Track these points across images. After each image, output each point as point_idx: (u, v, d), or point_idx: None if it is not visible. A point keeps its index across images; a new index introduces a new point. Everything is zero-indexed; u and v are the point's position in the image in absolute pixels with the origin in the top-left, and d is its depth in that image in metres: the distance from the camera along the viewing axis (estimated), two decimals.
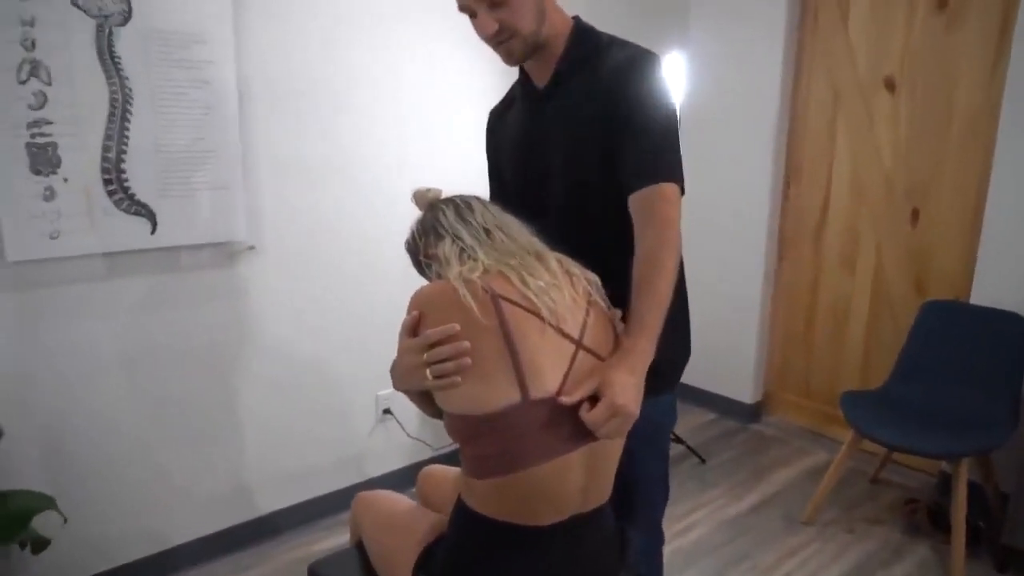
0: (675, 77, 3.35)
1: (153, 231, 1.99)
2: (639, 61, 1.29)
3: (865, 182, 3.05)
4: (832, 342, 3.26)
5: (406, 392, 1.21)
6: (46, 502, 1.78)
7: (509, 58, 1.33)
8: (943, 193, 2.83)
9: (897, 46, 2.89)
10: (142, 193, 1.95)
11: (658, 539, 1.56)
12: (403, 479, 2.75)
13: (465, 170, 2.70)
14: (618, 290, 1.22)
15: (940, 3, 2.76)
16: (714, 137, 3.41)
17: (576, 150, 1.33)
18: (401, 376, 1.16)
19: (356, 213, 2.48)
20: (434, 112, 2.63)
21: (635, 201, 1.25)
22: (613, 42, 1.36)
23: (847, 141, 3.09)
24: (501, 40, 1.28)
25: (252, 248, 2.24)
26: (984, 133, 2.67)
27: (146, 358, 2.11)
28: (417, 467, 2.76)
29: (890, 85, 2.93)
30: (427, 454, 2.80)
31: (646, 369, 1.13)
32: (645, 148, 1.25)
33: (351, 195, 2.46)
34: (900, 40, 2.88)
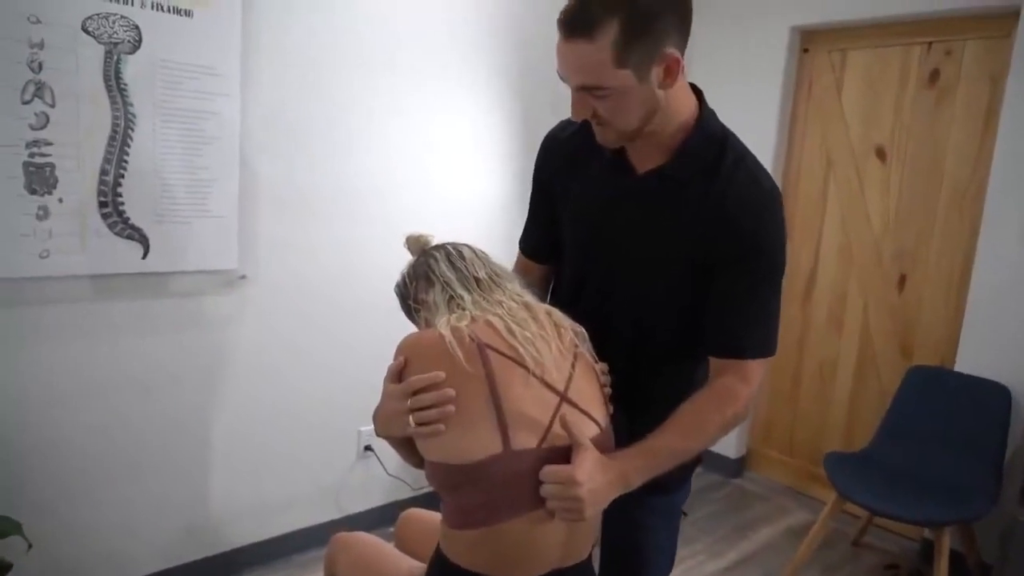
0: None
1: (145, 255, 1.91)
2: (771, 204, 1.13)
3: (854, 246, 2.99)
4: (817, 401, 3.16)
5: (388, 438, 1.15)
6: (12, 527, 1.67)
7: (601, 139, 1.15)
8: (930, 261, 2.77)
9: (889, 117, 2.86)
10: (137, 217, 1.88)
11: None
12: (381, 517, 2.62)
13: (461, 207, 2.67)
14: (647, 386, 1.17)
15: (931, 78, 2.74)
16: None
17: (656, 265, 1.17)
18: (384, 422, 1.10)
19: (348, 248, 2.40)
20: (431, 150, 2.57)
21: (724, 366, 1.14)
22: (740, 156, 1.15)
23: (838, 205, 3.04)
24: (595, 123, 1.12)
25: (243, 278, 2.16)
26: (971, 205, 2.62)
27: (127, 383, 2.00)
28: (396, 506, 2.67)
29: (881, 154, 2.89)
30: (406, 493, 2.67)
31: (626, 487, 1.05)
32: (755, 315, 1.14)
33: (344, 230, 2.38)
34: (892, 111, 2.85)
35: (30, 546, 1.70)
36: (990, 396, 2.44)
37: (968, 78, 2.65)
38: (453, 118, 2.62)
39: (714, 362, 1.16)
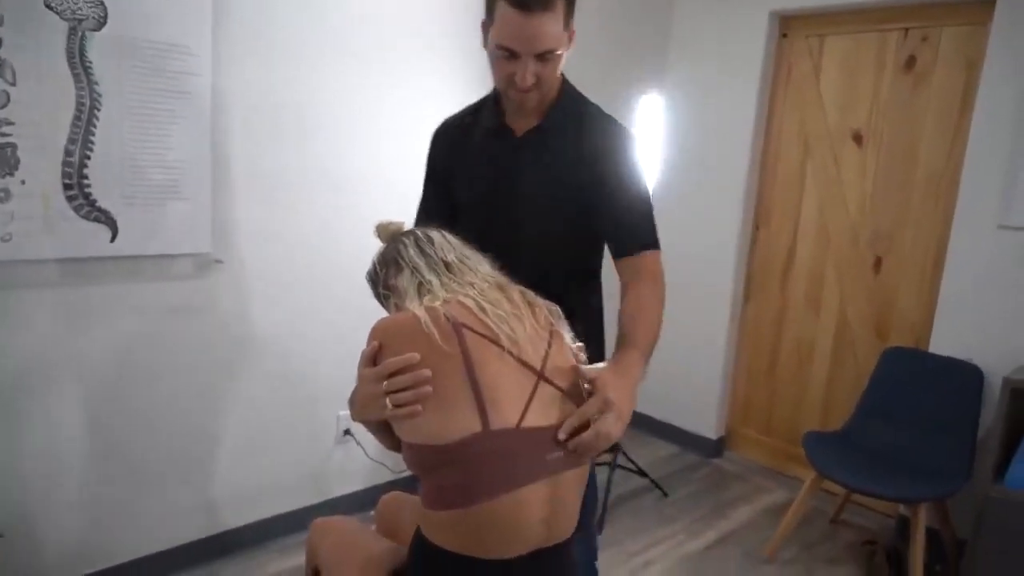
0: (653, 118, 3.28)
1: (113, 239, 1.81)
2: (625, 138, 1.35)
3: (831, 229, 2.96)
4: (795, 381, 3.14)
5: (365, 423, 1.12)
6: None
7: (521, 107, 1.32)
8: (905, 244, 2.75)
9: (866, 102, 2.83)
10: (104, 200, 1.78)
11: None
12: (362, 501, 2.57)
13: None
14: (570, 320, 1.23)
15: (908, 64, 2.70)
16: (688, 178, 3.31)
17: (552, 203, 1.36)
18: (360, 406, 1.07)
19: (326, 232, 2.32)
20: (409, 130, 2.48)
21: (627, 263, 1.32)
22: (598, 111, 1.38)
23: (815, 189, 3.01)
24: (529, 90, 1.26)
25: (219, 262, 2.07)
26: (946, 188, 2.60)
27: (98, 370, 1.91)
28: (376, 490, 2.61)
29: (858, 138, 2.86)
30: (387, 477, 2.61)
31: (639, 379, 1.11)
32: (635, 221, 1.33)
33: (321, 213, 2.30)
34: (869, 97, 2.82)
35: (1, 535, 1.62)
36: (963, 376, 2.44)
37: (944, 64, 2.62)
38: (434, 100, 2.52)
39: (622, 267, 1.33)
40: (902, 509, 2.60)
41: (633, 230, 1.33)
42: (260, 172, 2.13)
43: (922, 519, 2.18)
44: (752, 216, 3.20)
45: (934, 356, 2.54)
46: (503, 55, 1.22)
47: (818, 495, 2.49)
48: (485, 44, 1.29)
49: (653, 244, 1.33)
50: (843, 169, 2.91)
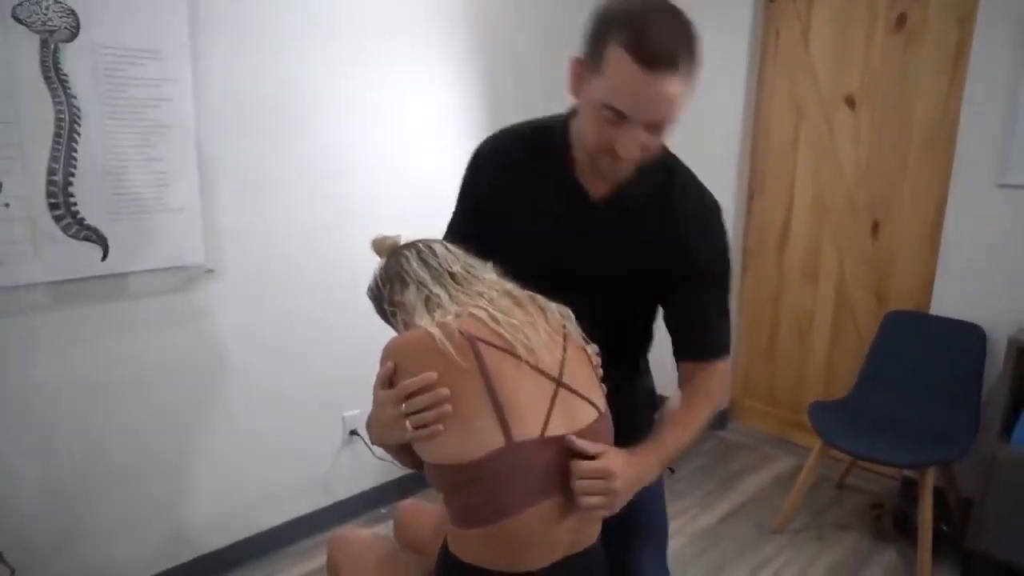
0: None
1: (104, 257, 1.76)
2: (715, 221, 1.21)
3: (826, 196, 2.93)
4: (796, 352, 3.14)
5: (383, 446, 1.07)
6: None
7: (611, 173, 1.12)
8: (903, 206, 2.72)
9: (857, 64, 2.77)
10: (92, 217, 1.72)
11: None
12: (371, 500, 2.57)
13: (428, 188, 2.51)
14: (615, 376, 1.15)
15: (899, 22, 2.65)
16: (678, 150, 3.26)
17: (624, 285, 1.21)
18: (379, 430, 1.03)
19: (316, 232, 2.26)
20: (404, 133, 2.44)
21: (694, 367, 1.22)
22: (684, 179, 1.20)
23: (809, 156, 2.97)
24: (630, 162, 1.08)
25: (211, 272, 2.02)
26: (942, 148, 2.57)
27: (97, 390, 1.87)
28: (385, 488, 2.61)
29: (850, 102, 2.81)
30: (395, 474, 2.59)
31: (646, 482, 1.07)
32: (713, 325, 1.22)
33: (312, 213, 2.24)
34: (860, 58, 2.76)
35: (13, 571, 1.59)
36: (965, 336, 2.43)
37: (936, 21, 2.56)
38: (419, 98, 2.47)
39: (688, 369, 1.23)
40: (907, 472, 2.62)
41: (709, 335, 1.22)
42: (247, 176, 2.07)
43: (930, 482, 2.19)
44: (746, 185, 3.16)
45: (936, 318, 2.53)
46: (608, 116, 1.01)
47: (823, 462, 2.50)
48: (574, 90, 1.07)
49: (724, 351, 1.23)
50: (837, 134, 2.87)
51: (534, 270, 1.15)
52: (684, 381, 1.22)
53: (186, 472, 2.09)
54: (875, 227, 2.80)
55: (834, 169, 2.89)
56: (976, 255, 2.43)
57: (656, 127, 1.02)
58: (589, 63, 1.02)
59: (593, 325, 1.14)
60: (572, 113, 1.17)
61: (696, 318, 1.21)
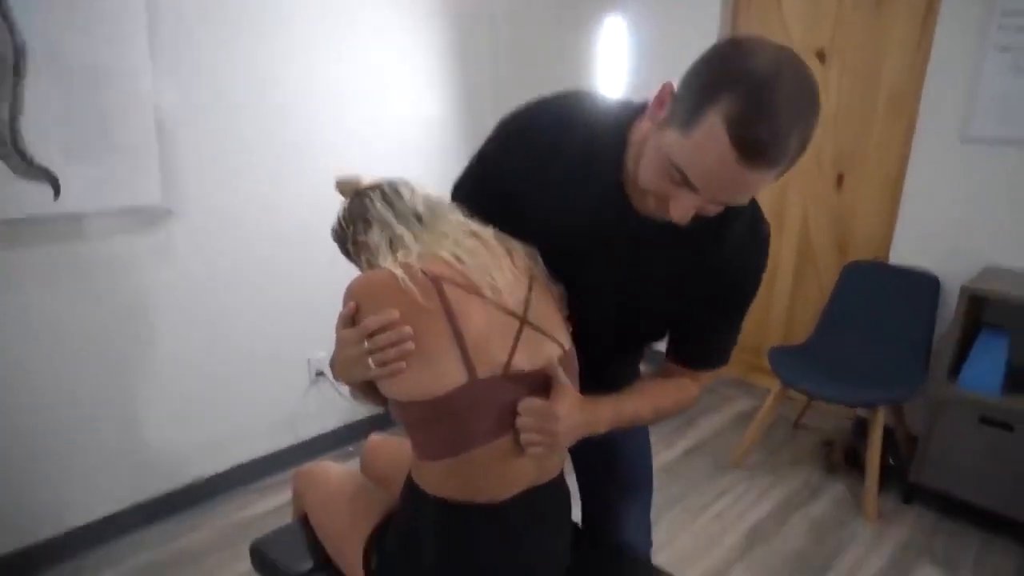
0: (617, 42, 3.21)
1: (56, 196, 1.69)
2: (763, 254, 1.11)
3: None
4: (759, 298, 3.22)
5: (348, 384, 1.08)
6: None
7: (655, 214, 0.97)
8: (867, 160, 2.80)
9: (829, 19, 2.81)
10: (42, 156, 1.65)
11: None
12: (339, 439, 2.60)
13: (393, 127, 2.49)
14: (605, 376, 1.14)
15: None
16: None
17: (654, 304, 1.13)
18: (343, 369, 1.03)
19: (279, 174, 2.21)
20: (372, 70, 2.38)
21: (684, 371, 1.18)
22: (746, 206, 1.04)
23: None
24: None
25: (170, 212, 1.97)
26: (908, 103, 2.64)
27: (56, 332, 1.83)
28: (352, 428, 2.64)
29: (821, 56, 2.86)
30: (363, 414, 2.62)
31: (591, 431, 1.05)
32: (727, 342, 1.17)
33: (274, 154, 2.19)
34: (832, 14, 2.80)
35: None
36: (921, 285, 2.55)
37: None
38: (383, 38, 2.40)
39: (676, 370, 1.19)
40: (860, 411, 2.75)
41: (715, 352, 1.18)
42: (206, 115, 2.01)
43: (880, 420, 2.32)
44: None
45: (893, 268, 2.64)
46: (675, 176, 0.87)
47: (781, 402, 2.61)
48: (653, 114, 0.92)
49: (720, 363, 1.19)
50: None
51: (560, 266, 1.10)
52: (665, 372, 1.20)
53: (148, 414, 2.08)
54: (840, 179, 2.89)
55: None
56: (935, 207, 2.54)
57: (724, 204, 0.91)
58: (679, 111, 0.86)
59: (603, 331, 1.14)
60: (640, 113, 1.01)
61: (707, 334, 1.16)
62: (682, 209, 0.90)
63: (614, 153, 1.02)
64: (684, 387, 1.19)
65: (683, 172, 0.86)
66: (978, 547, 2.19)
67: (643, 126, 0.98)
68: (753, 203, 1.06)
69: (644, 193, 0.96)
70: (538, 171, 1.07)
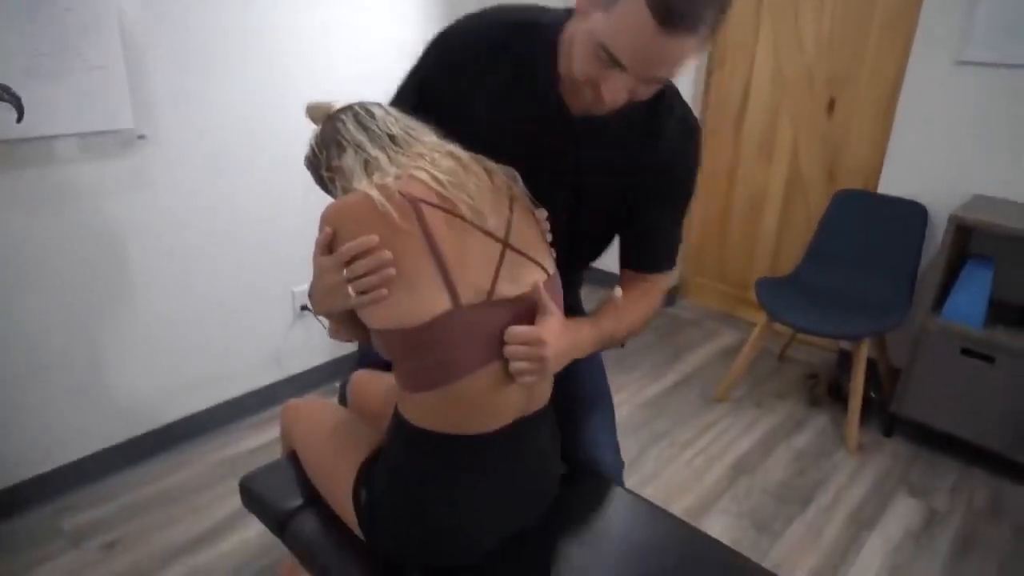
0: None
1: (19, 118, 1.60)
2: (696, 146, 1.16)
3: (786, 72, 2.88)
4: (747, 230, 3.19)
5: (328, 315, 1.06)
6: None
7: (590, 108, 1.02)
8: (860, 85, 2.70)
9: None
10: (2, 75, 1.55)
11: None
12: (325, 374, 2.58)
13: (387, 56, 2.38)
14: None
15: None
16: None
17: (594, 206, 1.17)
18: (321, 298, 1.00)
19: (257, 96, 2.11)
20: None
21: (639, 277, 1.23)
22: (674, 98, 1.12)
23: (771, 30, 2.88)
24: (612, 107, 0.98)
25: (143, 138, 1.88)
26: (904, 24, 2.52)
27: (27, 260, 1.76)
28: (340, 362, 2.61)
29: None
30: (349, 348, 2.59)
31: (575, 355, 1.06)
32: (669, 243, 1.23)
33: (252, 75, 2.08)
34: None
35: None
36: (908, 214, 2.51)
37: None
38: None
39: (632, 278, 1.23)
40: (843, 343, 2.76)
41: (662, 252, 1.23)
42: (177, 33, 1.89)
43: (864, 353, 2.32)
44: (705, 60, 3.08)
45: (882, 197, 2.59)
46: (603, 57, 0.90)
47: (767, 335, 2.61)
48: (580, 5, 0.96)
49: (670, 266, 1.25)
50: (800, 9, 2.78)
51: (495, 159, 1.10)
52: (626, 285, 1.21)
53: (126, 350, 2.04)
54: (831, 104, 2.79)
55: (795, 44, 2.83)
56: (927, 134, 2.46)
57: (653, 81, 0.94)
58: None
59: (554, 241, 1.12)
60: (569, 16, 1.03)
61: (653, 234, 1.22)
62: (613, 92, 0.93)
63: (548, 59, 1.05)
64: (647, 295, 1.22)
65: (609, 50, 0.89)
66: (955, 477, 2.24)
67: (571, 26, 1.01)
68: (683, 102, 1.14)
69: (579, 91, 1.00)
70: (476, 82, 1.11)
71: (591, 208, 1.18)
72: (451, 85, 1.13)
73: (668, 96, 1.10)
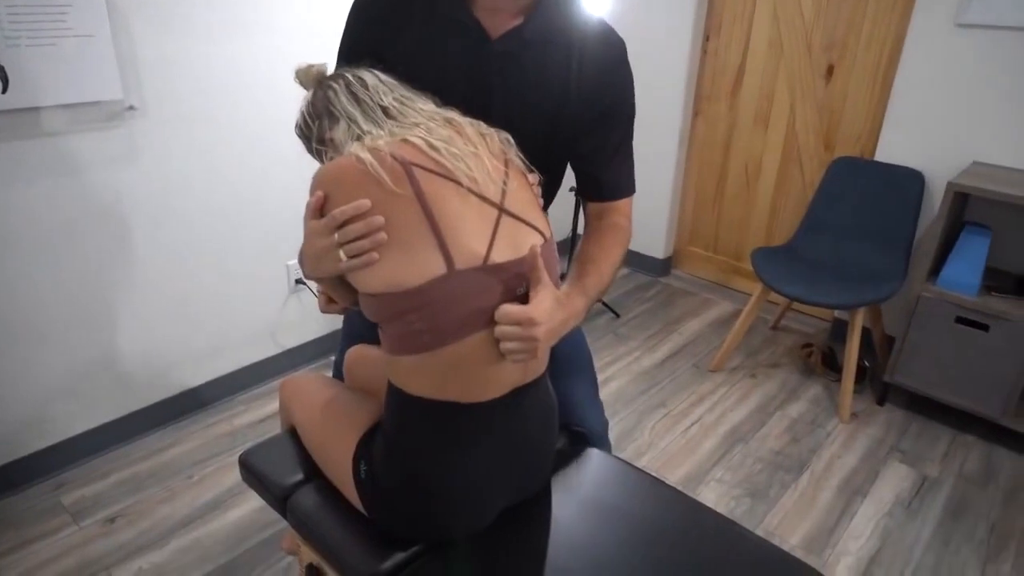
0: None
1: (4, 89, 1.57)
2: (623, 63, 1.18)
3: (784, 38, 2.85)
4: (742, 198, 3.19)
5: (319, 280, 1.05)
6: None
7: (501, 3, 1.06)
8: (858, 50, 2.68)
9: None
10: None
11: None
12: (321, 348, 2.59)
13: None
14: None
15: None
16: None
17: (530, 132, 1.13)
18: (312, 262, 0.99)
19: (249, 65, 2.07)
20: None
21: (602, 207, 1.25)
22: (587, 16, 1.15)
23: None
24: None
25: (132, 109, 1.85)
26: None
27: (19, 233, 1.75)
28: (334, 336, 2.62)
29: None
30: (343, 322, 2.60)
31: (571, 327, 1.06)
32: (621, 166, 1.24)
33: (243, 44, 2.05)
34: None
35: None
36: (905, 182, 2.50)
37: None
38: None
39: (595, 209, 1.25)
40: (837, 312, 2.78)
41: (617, 177, 1.24)
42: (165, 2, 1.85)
43: (859, 323, 2.33)
44: (703, 26, 3.04)
45: (879, 164, 2.58)
46: None
47: (761, 305, 2.63)
48: None
49: (632, 190, 1.26)
50: None
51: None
52: (592, 220, 1.24)
53: (123, 324, 2.04)
54: (829, 71, 2.77)
55: (794, 9, 2.79)
56: (925, 100, 2.45)
57: None
58: None
59: None
60: None
61: (604, 159, 1.22)
62: None
63: None
64: (616, 229, 1.23)
65: None
66: (947, 444, 2.27)
67: None
68: (602, 21, 1.17)
69: (493, 10, 1.06)
70: (397, 27, 1.13)
71: (528, 134, 1.14)
72: (377, 38, 1.15)
73: (583, 21, 1.14)
